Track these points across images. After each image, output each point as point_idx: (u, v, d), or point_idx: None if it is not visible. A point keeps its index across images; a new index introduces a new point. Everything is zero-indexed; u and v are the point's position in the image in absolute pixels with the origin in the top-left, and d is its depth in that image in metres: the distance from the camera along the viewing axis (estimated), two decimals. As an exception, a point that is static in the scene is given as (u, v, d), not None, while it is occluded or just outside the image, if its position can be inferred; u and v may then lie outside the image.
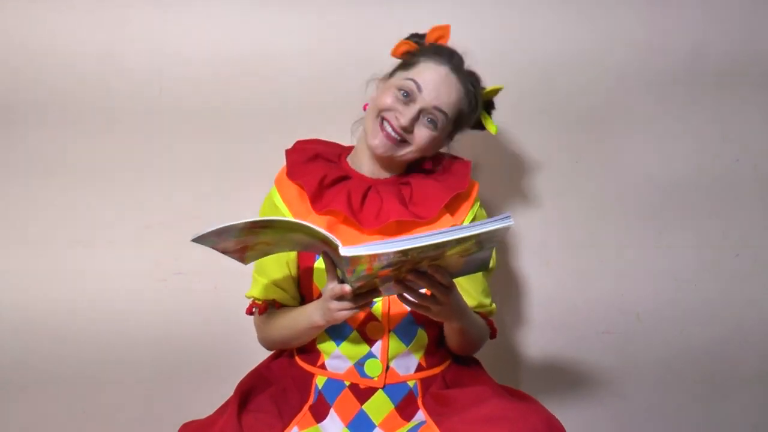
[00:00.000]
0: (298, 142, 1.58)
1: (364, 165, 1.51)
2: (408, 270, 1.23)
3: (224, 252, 1.31)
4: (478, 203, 1.53)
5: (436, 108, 1.44)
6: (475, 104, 1.51)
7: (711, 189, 1.92)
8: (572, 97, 1.87)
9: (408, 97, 1.44)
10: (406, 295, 1.29)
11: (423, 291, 1.30)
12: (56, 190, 1.83)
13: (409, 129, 1.44)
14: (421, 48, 1.51)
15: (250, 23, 1.82)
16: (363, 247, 1.16)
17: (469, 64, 1.53)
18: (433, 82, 1.44)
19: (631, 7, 1.87)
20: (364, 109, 1.53)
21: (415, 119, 1.44)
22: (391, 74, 1.51)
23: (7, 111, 1.81)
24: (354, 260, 1.17)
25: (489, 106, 1.58)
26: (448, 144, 1.55)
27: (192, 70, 1.81)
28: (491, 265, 1.51)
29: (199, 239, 1.24)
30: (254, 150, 1.83)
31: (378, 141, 1.45)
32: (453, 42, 1.53)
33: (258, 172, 1.79)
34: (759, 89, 1.91)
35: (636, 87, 1.88)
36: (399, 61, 1.53)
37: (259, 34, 1.82)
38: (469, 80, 1.49)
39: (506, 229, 1.20)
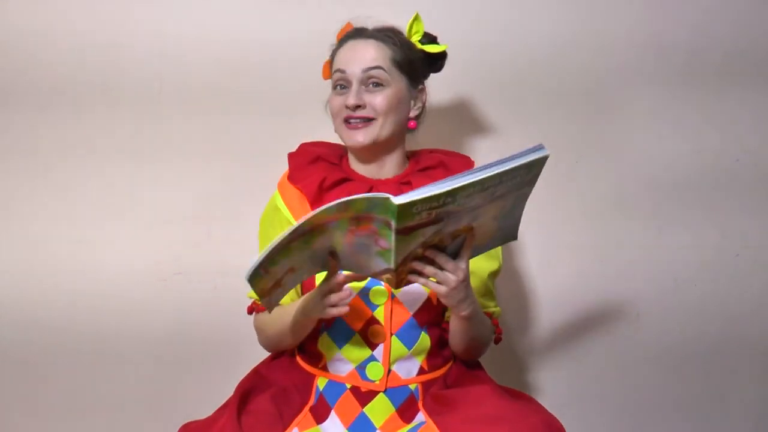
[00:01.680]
0: (302, 145, 1.58)
1: (362, 167, 1.51)
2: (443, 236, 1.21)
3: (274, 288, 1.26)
4: None
5: (366, 69, 1.43)
6: (401, 42, 1.48)
7: (711, 189, 1.92)
8: (572, 97, 1.87)
9: (344, 86, 1.45)
10: (418, 269, 1.25)
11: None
12: (56, 189, 1.83)
13: (360, 104, 1.43)
14: (332, 52, 1.52)
15: (257, 10, 1.81)
16: (414, 193, 1.12)
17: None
18: (348, 57, 1.45)
19: (631, 4, 1.86)
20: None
21: (360, 93, 1.43)
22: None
23: (5, 106, 1.81)
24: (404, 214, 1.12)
25: (429, 41, 1.54)
26: (423, 98, 1.52)
27: (194, 67, 1.81)
28: (499, 264, 1.50)
29: (251, 276, 1.19)
30: (255, 150, 1.83)
31: (352, 138, 1.45)
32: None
33: (259, 172, 1.79)
34: (760, 89, 1.91)
35: (636, 87, 1.88)
36: None
37: (265, 22, 1.81)
38: (382, 33, 1.48)
39: (543, 161, 1.18)
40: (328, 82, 1.52)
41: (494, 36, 1.84)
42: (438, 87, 1.59)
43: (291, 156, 1.54)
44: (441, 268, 1.26)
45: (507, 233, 1.31)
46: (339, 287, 1.28)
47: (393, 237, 1.16)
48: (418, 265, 1.25)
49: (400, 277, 1.25)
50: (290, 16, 1.81)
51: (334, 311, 1.30)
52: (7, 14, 1.78)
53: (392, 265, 1.21)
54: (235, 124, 1.83)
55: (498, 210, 1.23)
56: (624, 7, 1.86)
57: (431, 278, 1.27)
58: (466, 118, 1.86)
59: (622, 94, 1.88)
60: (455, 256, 1.26)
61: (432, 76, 1.56)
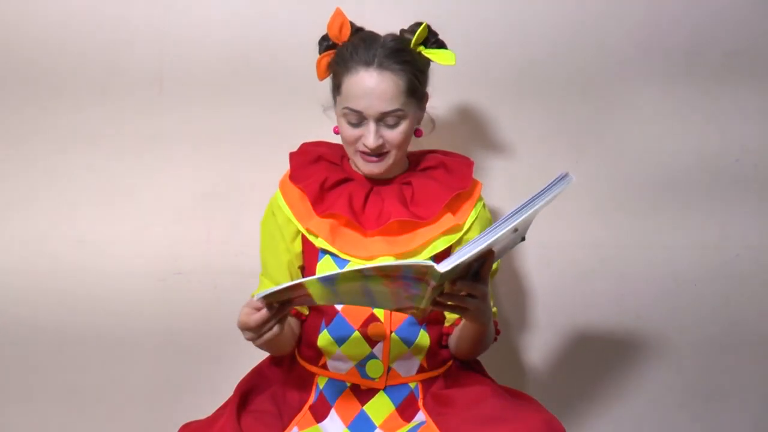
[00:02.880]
0: (303, 145, 1.58)
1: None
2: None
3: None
4: (482, 203, 1.53)
5: (385, 112, 1.40)
6: (414, 66, 1.43)
7: (711, 189, 1.92)
8: (572, 97, 1.87)
9: (357, 122, 1.42)
10: (445, 302, 1.25)
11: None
12: (56, 189, 1.83)
13: (381, 144, 1.42)
14: (337, 55, 1.46)
15: (259, 6, 1.80)
16: (456, 256, 1.13)
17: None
18: (365, 97, 1.38)
19: (632, 4, 1.86)
20: (336, 132, 1.51)
21: (378, 131, 1.41)
22: (334, 98, 1.48)
23: (4, 105, 1.81)
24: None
25: (430, 43, 1.48)
26: (426, 106, 1.51)
27: (195, 67, 1.80)
28: (497, 264, 1.51)
29: (267, 297, 1.21)
30: (256, 150, 1.82)
31: (369, 169, 1.45)
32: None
33: (260, 172, 1.79)
34: (760, 89, 1.91)
35: (636, 87, 1.88)
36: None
37: (267, 20, 1.80)
38: (397, 58, 1.40)
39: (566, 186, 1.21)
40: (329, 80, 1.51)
41: (493, 36, 1.84)
42: (437, 86, 1.59)
43: (292, 156, 1.54)
44: (465, 294, 1.25)
45: (520, 237, 1.32)
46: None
47: (429, 290, 1.18)
48: (445, 299, 1.25)
49: (426, 311, 1.26)
50: (293, 12, 1.80)
51: (257, 343, 1.30)
52: (6, 9, 1.78)
53: (423, 306, 1.23)
54: (235, 124, 1.83)
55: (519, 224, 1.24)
56: (624, 6, 1.86)
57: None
58: (464, 118, 1.86)
59: (623, 94, 1.88)
60: (476, 274, 1.25)
61: (431, 76, 1.56)
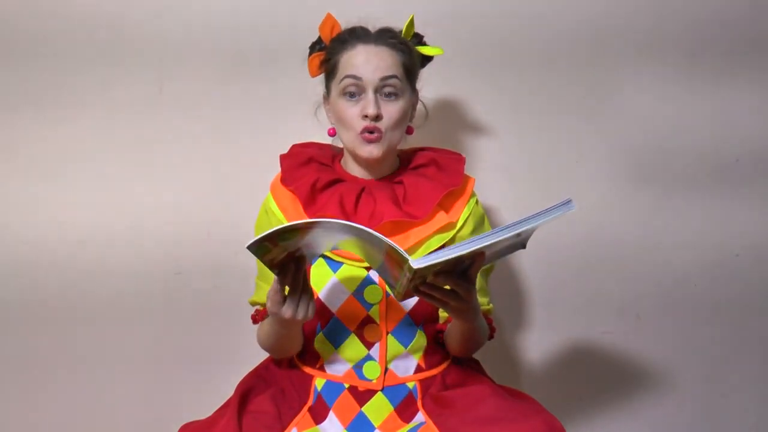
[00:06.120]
0: (294, 146, 1.58)
1: (355, 168, 1.51)
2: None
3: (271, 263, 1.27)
4: (475, 199, 1.52)
5: (384, 78, 1.42)
6: (408, 49, 1.48)
7: (711, 189, 1.92)
8: (571, 96, 1.87)
9: (356, 93, 1.43)
10: (426, 291, 1.25)
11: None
12: (56, 189, 1.83)
13: (381, 115, 1.42)
14: (329, 49, 1.50)
15: (260, 6, 1.80)
16: (434, 256, 1.14)
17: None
18: (364, 62, 1.42)
19: (632, 2, 1.86)
20: (331, 134, 1.53)
21: (378, 101, 1.42)
22: (327, 90, 1.50)
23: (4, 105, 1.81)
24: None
25: (418, 42, 1.55)
26: (416, 101, 1.53)
27: (195, 66, 1.80)
28: (492, 264, 1.50)
29: (253, 245, 1.20)
30: (256, 150, 1.83)
31: (368, 151, 1.44)
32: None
33: (260, 171, 1.79)
34: (759, 88, 1.91)
35: (636, 86, 1.88)
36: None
37: (268, 20, 1.81)
38: (388, 36, 1.46)
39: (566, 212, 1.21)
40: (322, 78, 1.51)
41: (493, 33, 1.83)
42: (435, 82, 1.59)
43: (283, 158, 1.54)
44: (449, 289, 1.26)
45: (521, 244, 1.31)
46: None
47: (404, 279, 1.19)
48: (427, 289, 1.25)
49: (401, 293, 1.27)
50: (293, 12, 1.80)
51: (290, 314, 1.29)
52: (4, 7, 1.78)
53: (398, 289, 1.24)
54: (235, 124, 1.83)
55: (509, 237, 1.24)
56: (624, 6, 1.86)
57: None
58: (463, 114, 1.86)
59: (622, 93, 1.88)
60: (464, 272, 1.25)
61: (425, 70, 1.56)
